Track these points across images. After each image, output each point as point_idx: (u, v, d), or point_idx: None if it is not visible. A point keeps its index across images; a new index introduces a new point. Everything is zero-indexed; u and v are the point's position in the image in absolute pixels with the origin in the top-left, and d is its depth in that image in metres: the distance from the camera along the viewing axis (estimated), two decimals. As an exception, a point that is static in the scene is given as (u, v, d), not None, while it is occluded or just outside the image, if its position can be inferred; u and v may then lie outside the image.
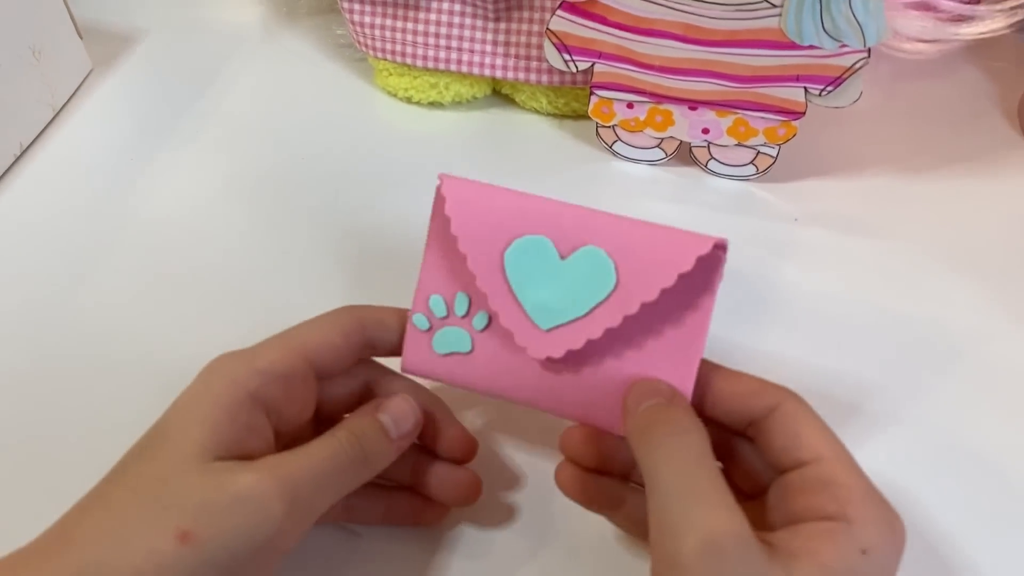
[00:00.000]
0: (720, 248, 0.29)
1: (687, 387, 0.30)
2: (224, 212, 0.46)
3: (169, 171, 0.48)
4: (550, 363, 0.31)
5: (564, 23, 0.42)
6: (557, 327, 0.30)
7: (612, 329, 0.30)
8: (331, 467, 0.29)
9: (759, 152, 0.45)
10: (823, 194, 0.46)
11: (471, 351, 0.33)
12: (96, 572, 0.25)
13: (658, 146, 0.46)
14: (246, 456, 0.28)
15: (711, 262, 0.29)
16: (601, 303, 0.30)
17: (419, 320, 0.33)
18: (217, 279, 0.43)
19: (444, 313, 0.33)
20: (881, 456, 0.36)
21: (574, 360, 0.31)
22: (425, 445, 0.34)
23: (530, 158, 0.49)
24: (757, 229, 0.45)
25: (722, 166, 0.46)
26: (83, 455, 0.31)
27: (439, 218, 0.32)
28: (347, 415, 0.32)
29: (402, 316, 0.33)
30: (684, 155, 0.47)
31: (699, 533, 0.25)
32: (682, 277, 0.29)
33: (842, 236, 0.44)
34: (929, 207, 0.46)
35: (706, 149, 0.46)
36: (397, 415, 0.31)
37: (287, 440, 0.31)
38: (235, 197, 0.47)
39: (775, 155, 0.45)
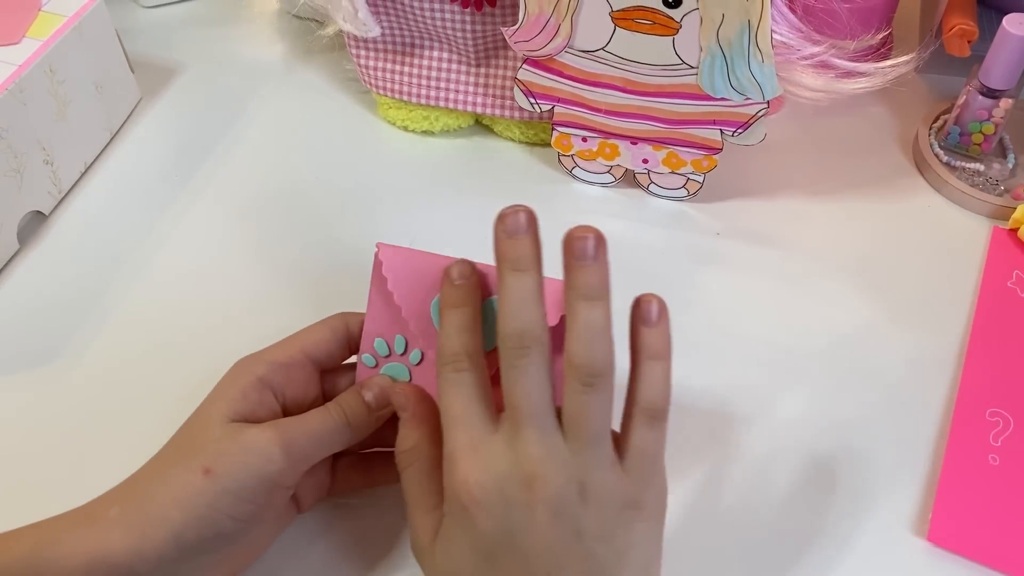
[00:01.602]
0: None
1: None
2: (251, 221, 0.56)
3: (206, 185, 0.58)
4: None
5: (529, 74, 0.52)
6: None
7: None
8: (320, 426, 0.37)
9: (689, 178, 0.55)
10: (742, 213, 0.56)
11: (410, 380, 0.41)
12: (147, 499, 0.35)
13: (608, 172, 0.56)
14: (257, 422, 0.37)
15: None
16: None
17: (367, 359, 0.41)
18: (243, 279, 0.53)
19: (386, 352, 0.40)
20: (770, 424, 0.46)
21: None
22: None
23: (505, 179, 0.58)
24: (686, 241, 0.55)
25: (660, 189, 0.56)
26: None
27: (378, 276, 0.40)
28: None
29: None
30: (630, 179, 0.57)
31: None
32: (563, 318, 0.37)
33: (755, 248, 0.54)
34: (829, 225, 0.55)
35: (646, 175, 0.56)
36: (377, 393, 0.39)
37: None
38: (260, 208, 0.57)
39: (701, 181, 0.55)
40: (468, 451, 0.33)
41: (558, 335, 0.38)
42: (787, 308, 0.51)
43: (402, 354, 0.41)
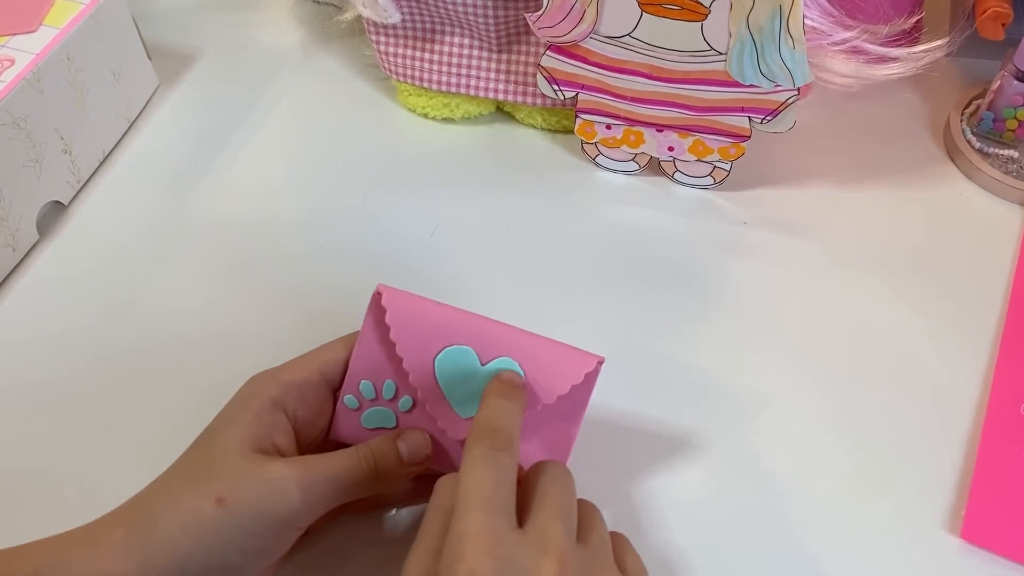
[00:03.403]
0: (600, 363, 0.37)
1: (565, 456, 0.39)
2: (272, 209, 0.55)
3: (225, 173, 0.57)
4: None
5: (553, 61, 0.51)
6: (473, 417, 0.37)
7: None
8: (345, 472, 0.36)
9: (715, 166, 0.54)
10: (770, 201, 0.55)
11: (395, 427, 0.39)
12: (154, 523, 0.33)
13: (633, 159, 0.55)
14: (275, 447, 0.36)
15: (593, 372, 0.37)
16: None
17: (350, 400, 0.39)
18: (267, 267, 0.52)
19: (373, 396, 0.39)
20: (798, 418, 0.45)
21: None
22: None
23: (527, 167, 0.58)
24: (712, 230, 0.54)
25: (686, 177, 0.55)
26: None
27: (377, 321, 0.38)
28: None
29: None
30: (655, 167, 0.56)
31: None
32: (573, 387, 0.37)
33: (783, 237, 0.53)
34: (858, 213, 0.54)
35: (672, 163, 0.55)
36: (413, 445, 0.38)
37: (311, 440, 0.39)
38: (280, 195, 0.56)
39: (728, 169, 0.54)
40: (484, 538, 0.30)
41: (567, 403, 0.38)
42: (815, 298, 0.50)
43: (390, 399, 0.39)
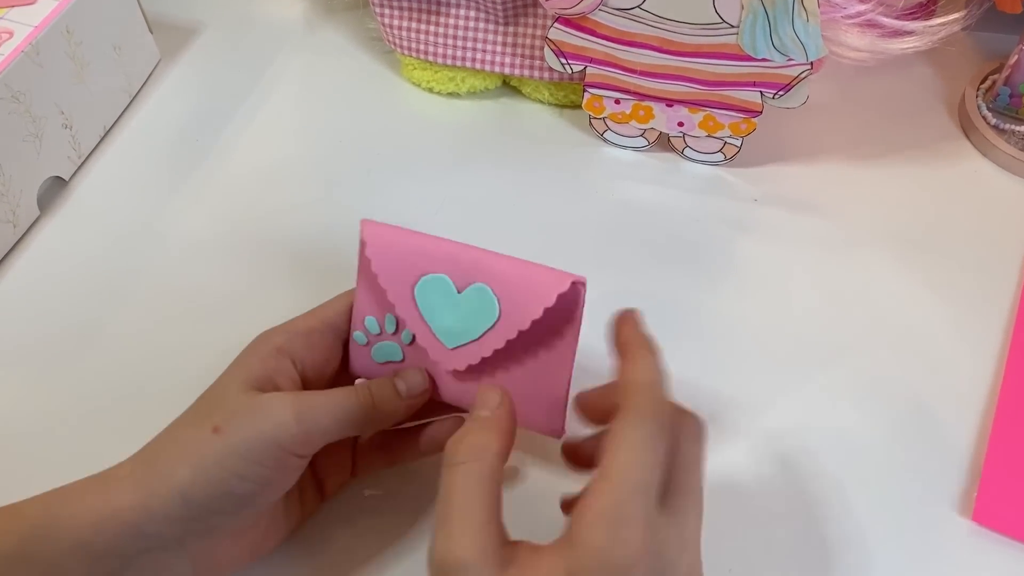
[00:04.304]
0: (579, 284, 0.35)
1: (560, 393, 0.37)
2: (275, 183, 0.55)
3: (228, 148, 0.57)
4: (458, 373, 0.38)
5: (561, 33, 0.50)
6: (459, 347, 0.37)
7: (499, 349, 0.36)
8: (341, 403, 0.36)
9: (726, 142, 0.53)
10: (781, 178, 0.54)
11: (403, 360, 0.39)
12: (156, 457, 0.35)
13: (642, 135, 0.54)
14: (275, 388, 0.37)
15: (572, 295, 0.35)
16: (489, 330, 0.36)
17: (358, 336, 0.39)
18: (269, 242, 0.52)
19: (377, 331, 0.39)
20: (808, 397, 0.45)
21: (475, 371, 0.38)
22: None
23: (534, 142, 0.57)
24: (723, 208, 0.53)
25: (695, 153, 0.54)
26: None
27: (363, 256, 0.38)
28: None
29: None
30: (664, 143, 0.55)
31: (433, 555, 0.30)
32: (547, 310, 0.35)
33: (794, 215, 0.52)
34: (871, 190, 0.53)
35: (682, 139, 0.54)
36: (410, 381, 0.38)
37: (319, 387, 0.39)
38: (283, 171, 0.55)
39: (739, 145, 0.53)
40: (643, 529, 0.29)
41: (550, 332, 0.37)
42: (827, 277, 0.50)
43: (393, 333, 0.39)
